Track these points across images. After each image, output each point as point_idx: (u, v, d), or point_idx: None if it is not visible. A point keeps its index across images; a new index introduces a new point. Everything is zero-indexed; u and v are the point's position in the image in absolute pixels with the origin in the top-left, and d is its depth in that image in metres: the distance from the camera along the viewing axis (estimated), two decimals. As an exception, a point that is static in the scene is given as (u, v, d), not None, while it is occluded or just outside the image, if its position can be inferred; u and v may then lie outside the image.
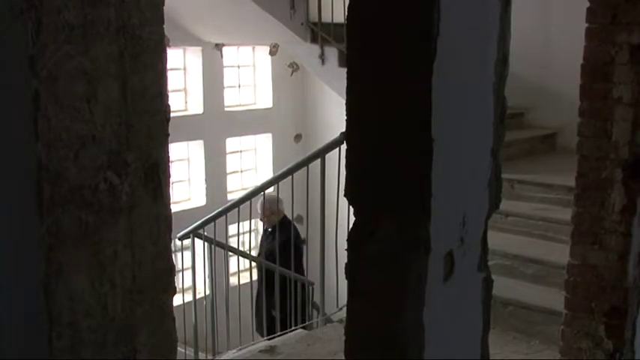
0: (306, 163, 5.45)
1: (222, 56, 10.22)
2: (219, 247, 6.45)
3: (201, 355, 6.47)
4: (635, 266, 3.50)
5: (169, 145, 2.64)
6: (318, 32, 7.51)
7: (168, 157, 2.66)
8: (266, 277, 6.40)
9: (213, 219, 6.23)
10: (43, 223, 2.30)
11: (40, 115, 2.23)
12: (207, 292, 6.71)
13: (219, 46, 10.06)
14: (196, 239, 6.35)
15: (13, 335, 2.53)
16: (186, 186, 10.29)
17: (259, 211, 6.87)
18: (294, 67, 10.87)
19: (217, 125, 10.18)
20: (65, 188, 2.32)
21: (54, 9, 2.22)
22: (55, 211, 2.31)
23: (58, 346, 2.38)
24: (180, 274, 6.92)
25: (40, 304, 2.36)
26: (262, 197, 6.40)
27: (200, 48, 9.87)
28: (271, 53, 10.67)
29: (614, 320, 3.51)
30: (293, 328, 5.86)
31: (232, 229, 7.06)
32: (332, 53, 7.51)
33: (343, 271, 2.00)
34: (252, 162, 11.22)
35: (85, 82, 2.32)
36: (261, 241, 7.40)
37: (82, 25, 2.28)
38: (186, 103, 10.17)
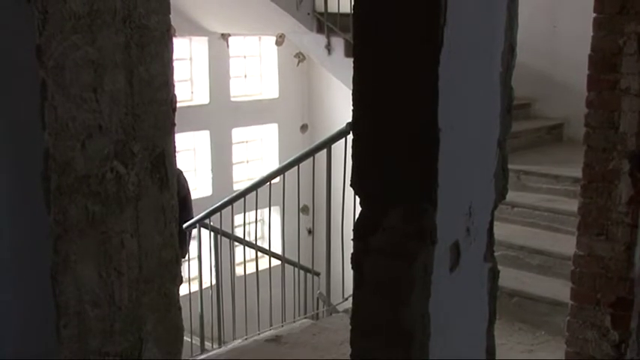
0: (312, 153, 5.45)
1: (228, 46, 10.21)
2: (225, 237, 6.46)
3: (207, 344, 6.49)
4: (642, 257, 3.50)
5: (175, 135, 2.64)
6: (325, 22, 7.50)
7: (175, 147, 2.66)
8: None
9: (219, 209, 6.24)
10: (50, 213, 2.31)
11: (46, 105, 2.24)
12: (214, 282, 6.73)
13: (225, 36, 10.06)
14: (202, 229, 6.36)
15: (22, 324, 2.54)
16: (193, 176, 10.31)
17: None
18: (301, 57, 10.85)
19: (223, 115, 10.18)
20: (72, 178, 2.33)
21: (60, -2, 2.23)
22: (62, 200, 2.32)
23: (66, 335, 2.39)
24: (187, 264, 6.94)
25: (48, 294, 2.37)
26: None
27: (206, 38, 9.87)
28: (277, 43, 10.65)
29: (619, 311, 3.51)
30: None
31: (238, 219, 7.08)
32: (338, 43, 7.50)
33: (349, 261, 2.00)
34: (258, 152, 11.23)
35: (92, 72, 2.33)
36: None
37: (88, 15, 2.28)
38: (192, 93, 10.18)
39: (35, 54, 2.23)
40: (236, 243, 6.77)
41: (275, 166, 8.73)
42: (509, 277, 4.79)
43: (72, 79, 2.28)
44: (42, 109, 2.25)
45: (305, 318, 5.79)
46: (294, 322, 5.67)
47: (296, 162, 5.57)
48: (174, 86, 2.60)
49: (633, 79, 3.37)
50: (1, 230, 2.47)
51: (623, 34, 3.37)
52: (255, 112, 10.70)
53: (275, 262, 6.90)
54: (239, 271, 7.11)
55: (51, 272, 2.35)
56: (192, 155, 10.31)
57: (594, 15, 3.48)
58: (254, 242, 7.03)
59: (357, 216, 1.99)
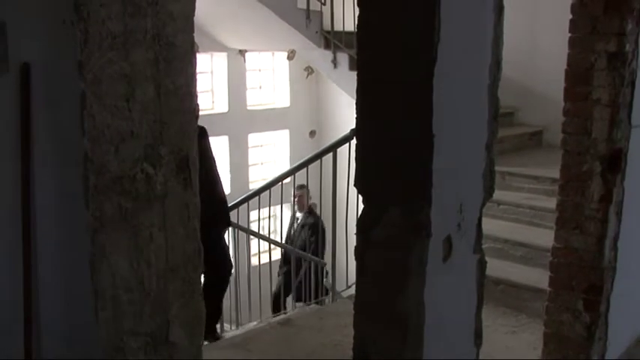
0: (319, 156, 5.43)
1: (245, 61, 10.21)
2: (242, 231, 6.46)
3: (226, 326, 6.49)
4: (611, 249, 3.49)
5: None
6: (331, 39, 7.48)
7: (197, 150, 2.66)
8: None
9: (237, 206, 6.24)
10: (88, 209, 2.32)
11: (86, 114, 2.25)
12: (232, 271, 6.71)
13: (242, 52, 10.06)
14: (222, 223, 6.33)
15: (66, 307, 2.55)
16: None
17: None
18: (309, 70, 10.84)
19: (240, 122, 10.18)
20: (107, 178, 2.34)
21: (99, 20, 2.23)
22: (98, 198, 2.32)
23: (103, 316, 2.40)
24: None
25: (87, 280, 2.38)
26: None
27: (225, 53, 9.87)
28: (289, 58, 10.65)
29: (591, 296, 3.51)
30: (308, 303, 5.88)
31: (254, 214, 7.08)
32: (343, 58, 7.47)
33: (352, 253, 2.00)
34: (271, 155, 11.22)
35: (125, 84, 2.34)
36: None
37: (123, 34, 2.29)
38: (213, 102, 10.17)
39: (77, 69, 2.24)
40: (251, 236, 6.77)
41: (286, 167, 8.72)
42: (495, 267, 4.77)
43: (108, 90, 2.29)
44: (82, 117, 2.26)
45: (313, 303, 5.78)
46: (303, 306, 5.66)
47: (305, 164, 5.57)
48: (197, 96, 2.60)
49: (603, 91, 3.37)
50: (47, 225, 2.48)
51: (594, 52, 3.37)
52: (268, 120, 10.70)
53: (286, 253, 6.88)
54: (254, 261, 7.10)
55: (89, 261, 2.36)
56: (212, 158, 10.29)
57: (569, 35, 3.47)
58: (267, 236, 7.02)
59: (359, 212, 1.99)
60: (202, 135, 4.63)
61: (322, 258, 6.62)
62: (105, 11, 2.25)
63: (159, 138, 2.46)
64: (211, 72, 10.12)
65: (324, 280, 6.20)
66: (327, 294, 6.23)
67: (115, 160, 2.35)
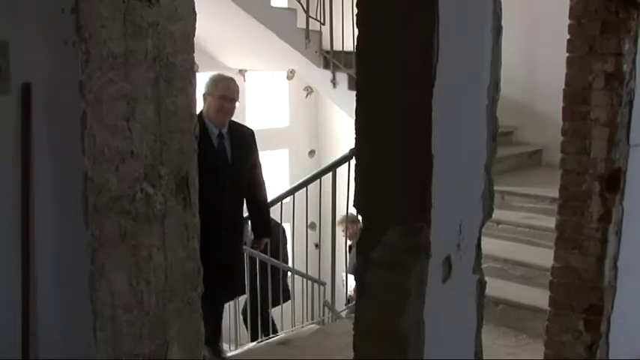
0: (318, 176, 5.44)
1: (244, 80, 10.24)
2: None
3: (225, 346, 6.46)
4: (611, 268, 3.48)
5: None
6: (330, 59, 7.50)
7: (197, 170, 2.67)
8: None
9: (237, 225, 6.21)
10: (88, 228, 2.32)
11: (86, 134, 2.26)
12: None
13: (242, 72, 10.09)
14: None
15: (65, 327, 2.54)
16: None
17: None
18: (309, 90, 10.87)
19: (240, 142, 10.19)
20: (107, 197, 2.34)
21: (100, 41, 2.25)
22: (98, 217, 2.32)
23: (101, 336, 2.39)
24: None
25: (86, 300, 2.37)
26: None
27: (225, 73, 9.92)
28: (288, 78, 10.68)
29: (591, 316, 3.50)
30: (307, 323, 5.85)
31: (253, 234, 7.07)
32: (342, 78, 7.49)
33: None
34: (270, 175, 11.22)
35: (125, 104, 2.34)
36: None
37: (124, 55, 2.30)
38: (212, 122, 10.18)
39: (78, 89, 2.25)
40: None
41: (286, 187, 8.72)
42: (495, 287, 4.77)
43: (108, 110, 2.30)
44: (82, 137, 2.26)
45: (312, 323, 5.76)
46: (303, 327, 5.64)
47: (304, 184, 5.57)
48: (196, 116, 2.61)
49: (602, 111, 3.38)
50: (46, 244, 2.47)
51: (592, 72, 3.39)
52: (268, 139, 10.68)
53: (285, 272, 6.86)
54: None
55: (88, 281, 2.35)
56: (212, 177, 10.28)
57: (567, 54, 3.49)
58: (268, 256, 7.00)
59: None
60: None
61: (286, 257, 6.63)
62: (106, 32, 2.26)
63: (159, 158, 2.47)
64: (211, 92, 10.14)
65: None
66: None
67: (114, 180, 2.36)
